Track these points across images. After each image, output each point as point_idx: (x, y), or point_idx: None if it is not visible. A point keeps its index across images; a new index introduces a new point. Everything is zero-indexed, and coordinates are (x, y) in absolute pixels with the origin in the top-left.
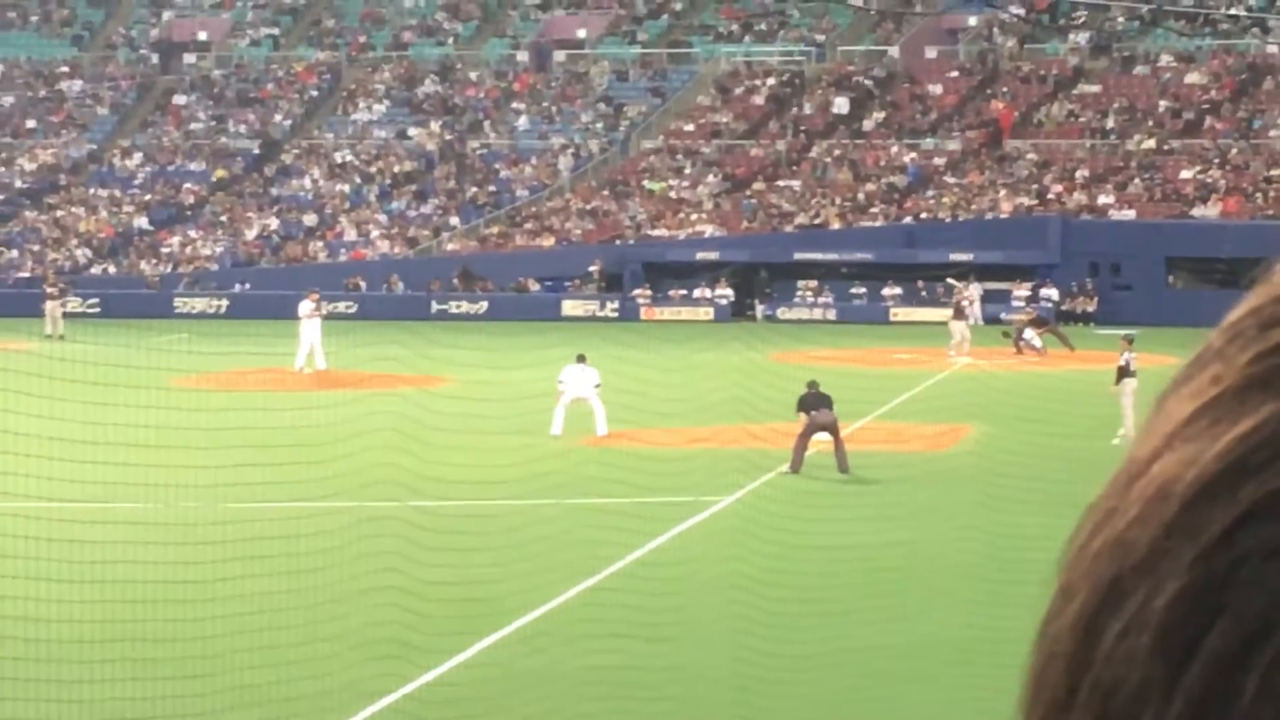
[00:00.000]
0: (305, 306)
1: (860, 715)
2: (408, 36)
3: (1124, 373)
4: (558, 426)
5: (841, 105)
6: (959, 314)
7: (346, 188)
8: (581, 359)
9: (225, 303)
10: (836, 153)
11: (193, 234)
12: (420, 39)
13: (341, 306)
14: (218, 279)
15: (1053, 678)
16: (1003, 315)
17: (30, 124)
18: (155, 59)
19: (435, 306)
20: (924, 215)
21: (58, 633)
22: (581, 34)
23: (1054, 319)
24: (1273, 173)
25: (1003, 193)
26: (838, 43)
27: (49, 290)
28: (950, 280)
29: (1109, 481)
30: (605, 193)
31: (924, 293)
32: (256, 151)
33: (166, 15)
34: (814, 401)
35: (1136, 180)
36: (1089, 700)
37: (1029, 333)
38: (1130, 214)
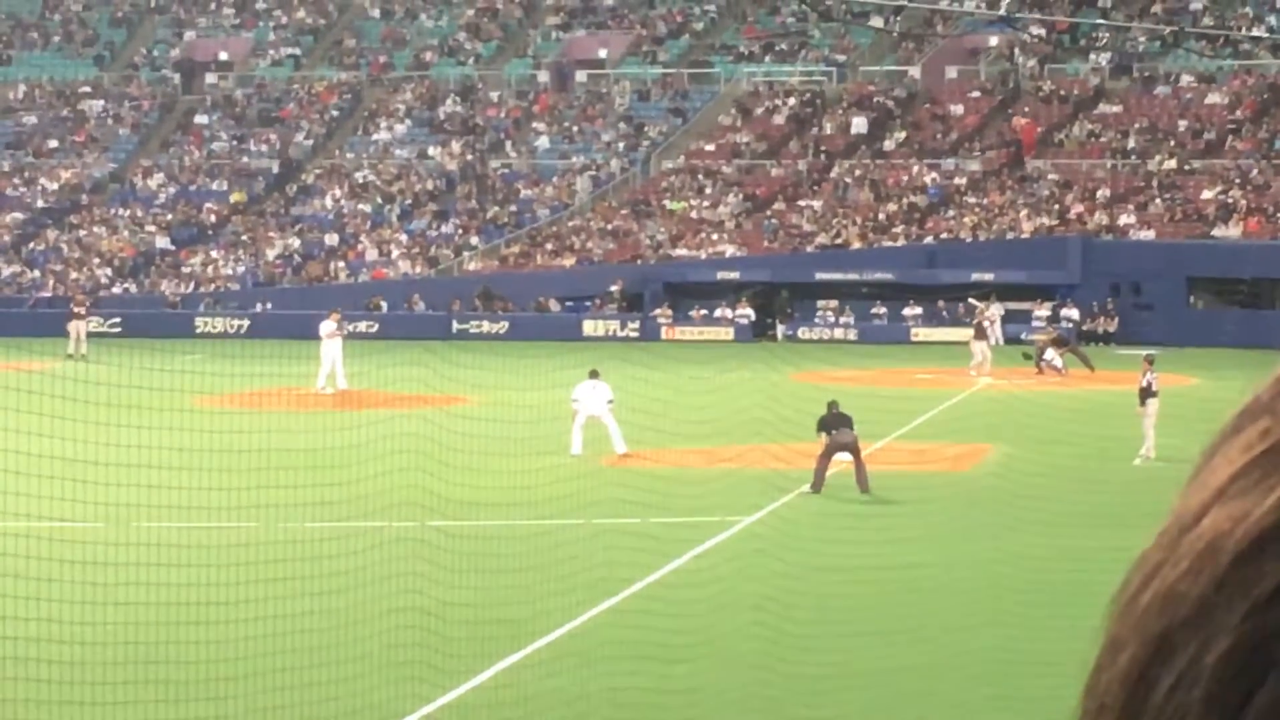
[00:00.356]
0: (327, 326)
1: None
2: (429, 56)
3: (1146, 393)
4: (577, 446)
5: (860, 125)
6: (980, 334)
7: (368, 207)
8: (594, 374)
9: (246, 322)
10: (857, 173)
11: (214, 254)
12: (441, 59)
13: (362, 326)
14: (239, 299)
15: None
16: (1024, 335)
17: (52, 144)
18: (177, 79)
19: (456, 326)
20: (945, 235)
21: (79, 654)
22: (602, 54)
23: (1075, 339)
24: None
25: (1024, 213)
26: (859, 63)
27: (75, 310)
28: (972, 300)
29: (1157, 534)
30: (626, 213)
31: (945, 313)
32: (277, 171)
33: (188, 35)
34: (834, 422)
35: (1157, 200)
36: None
37: (1050, 353)
38: (1151, 234)
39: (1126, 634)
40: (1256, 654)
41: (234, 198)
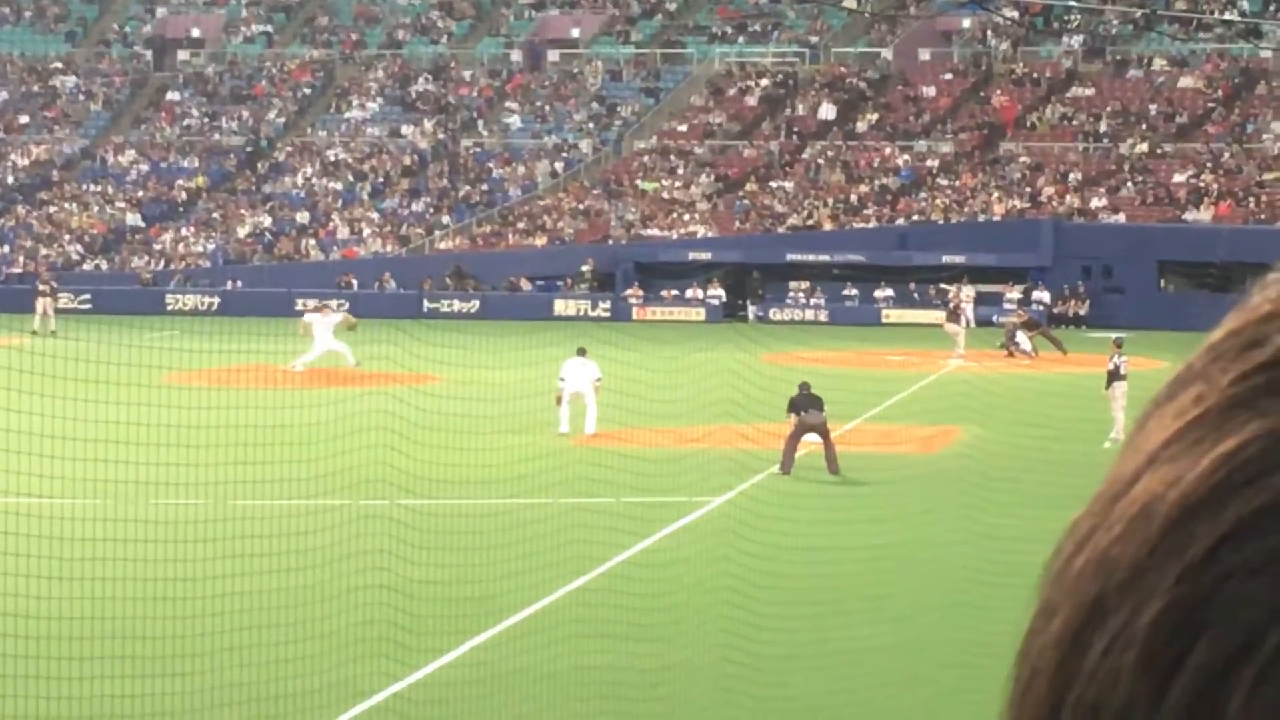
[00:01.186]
0: (329, 319)
1: (850, 716)
2: (401, 35)
3: (1114, 376)
4: (564, 424)
5: (828, 113)
6: (953, 317)
7: (339, 185)
8: (582, 352)
9: (217, 300)
10: (830, 154)
11: (185, 231)
12: (414, 37)
13: (334, 304)
14: (210, 276)
15: (1036, 695)
16: (995, 318)
17: (23, 120)
18: (149, 55)
19: (427, 305)
20: (916, 217)
21: (46, 629)
22: (575, 33)
23: (1046, 322)
24: (1265, 177)
25: (995, 195)
26: (831, 44)
27: (40, 287)
28: (943, 286)
29: (1091, 499)
30: (597, 192)
31: (916, 295)
32: (249, 149)
33: (160, 12)
34: (804, 403)
35: (1129, 184)
36: (1073, 717)
37: (1020, 335)
38: (1122, 217)
39: (1060, 599)
40: (1189, 616)
41: (196, 181)
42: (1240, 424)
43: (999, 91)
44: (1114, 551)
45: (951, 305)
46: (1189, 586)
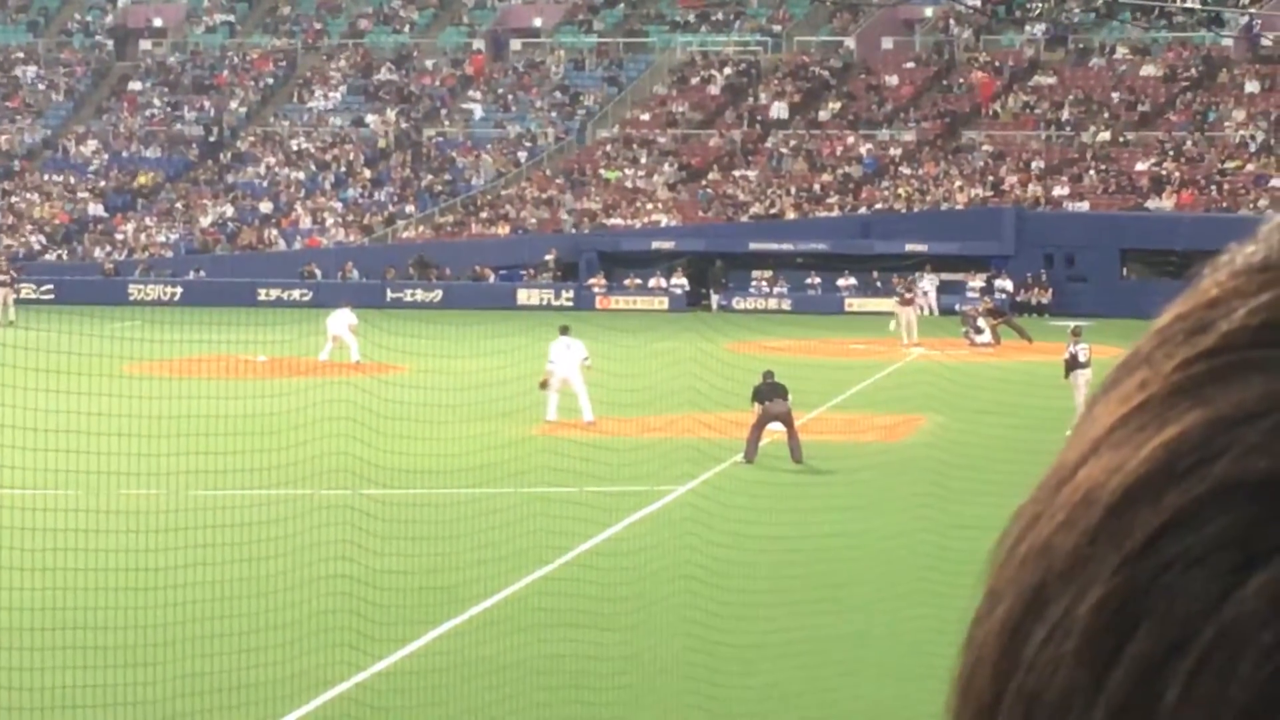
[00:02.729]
0: (347, 318)
1: (813, 704)
2: (364, 24)
3: (1072, 364)
4: (552, 411)
5: (779, 110)
6: (906, 301)
7: (302, 175)
8: (565, 330)
9: (180, 290)
10: (793, 143)
11: (148, 221)
12: (377, 27)
13: (296, 294)
14: (172, 266)
15: (979, 684)
16: (958, 306)
17: None
18: (111, 45)
19: (390, 294)
20: (879, 206)
21: (6, 620)
22: (538, 23)
23: (1009, 310)
24: (1227, 165)
25: (958, 184)
26: (794, 33)
27: (1, 277)
28: (914, 282)
29: (1037, 486)
30: (560, 181)
31: (879, 283)
32: (211, 139)
33: (122, 1)
34: (768, 392)
35: (1091, 172)
36: (1013, 706)
37: (981, 322)
38: (1085, 206)
39: (1003, 586)
40: (1128, 605)
41: (139, 180)
42: (1182, 412)
43: (975, 69)
44: (1055, 540)
45: (903, 291)
46: (1128, 576)
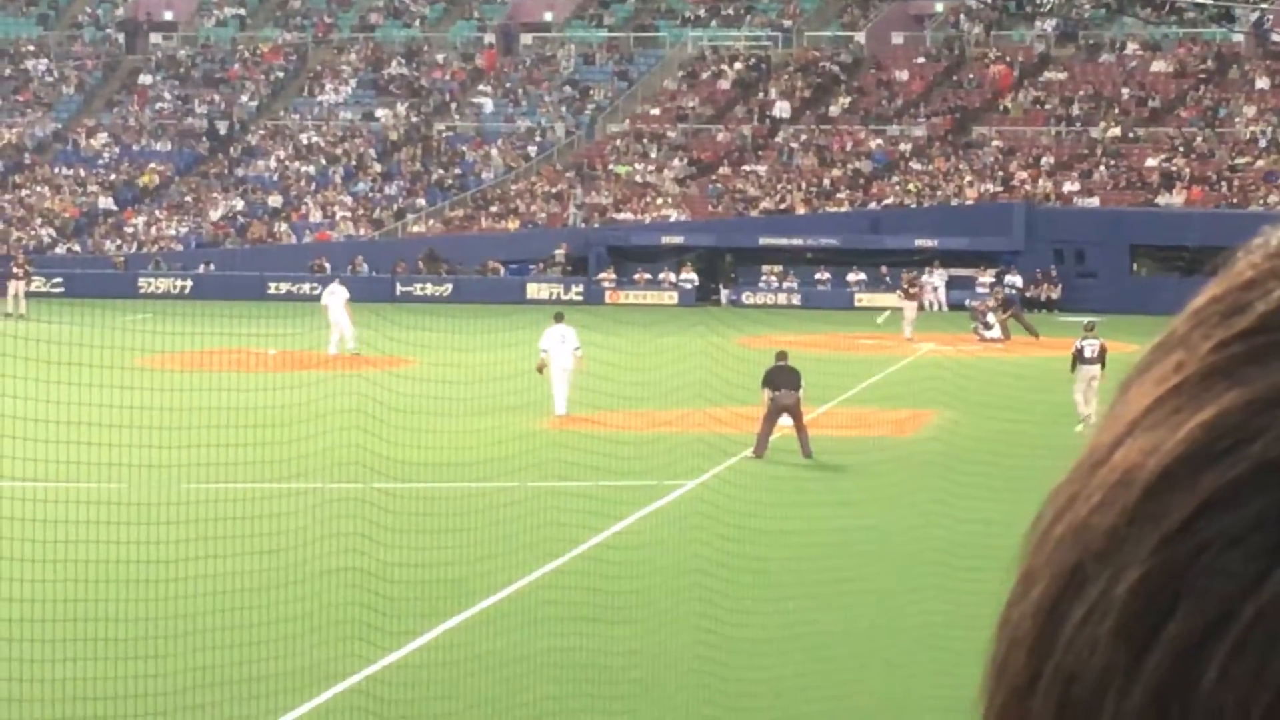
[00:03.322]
0: (340, 292)
1: (822, 699)
2: (374, 18)
3: (1078, 359)
4: (561, 404)
5: (782, 109)
6: (909, 295)
7: (312, 169)
8: (559, 318)
9: (189, 283)
10: (803, 138)
11: (158, 214)
12: (387, 20)
13: (306, 288)
14: (182, 259)
15: (1014, 664)
16: (968, 301)
17: None
18: (121, 38)
19: (400, 289)
20: (889, 201)
21: (19, 612)
22: (548, 17)
23: (1019, 305)
24: (1237, 161)
25: (968, 179)
26: (804, 28)
27: (15, 270)
28: (922, 278)
29: (1072, 467)
30: (570, 175)
31: (888, 278)
32: (222, 133)
33: None
34: (780, 377)
35: (1101, 168)
36: (1050, 687)
37: (991, 317)
38: (1095, 201)
39: (1039, 567)
40: (1166, 586)
41: (142, 180)
42: (1220, 392)
43: (992, 61)
44: (1093, 520)
45: (906, 286)
46: (1166, 556)
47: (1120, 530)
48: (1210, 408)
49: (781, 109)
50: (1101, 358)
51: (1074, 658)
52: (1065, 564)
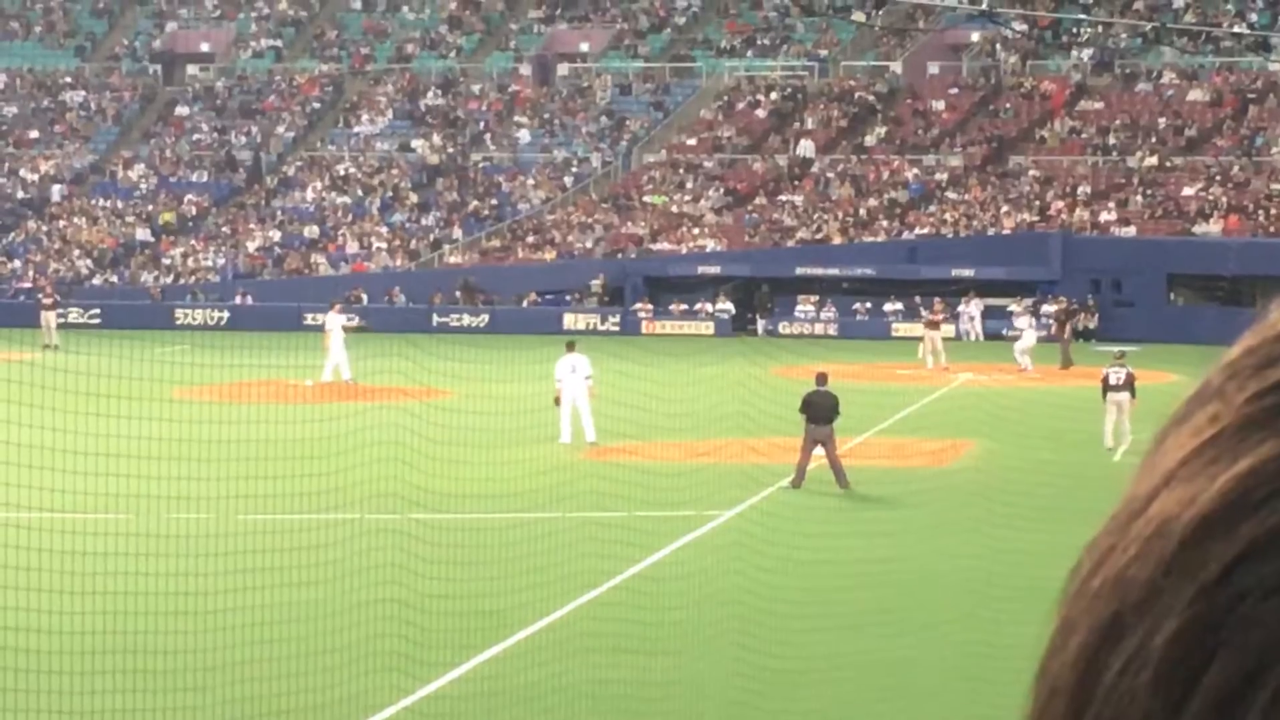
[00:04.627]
0: (336, 319)
1: None
2: (410, 49)
3: (1105, 387)
4: (566, 434)
5: (807, 150)
6: (933, 325)
7: (348, 200)
8: (570, 347)
9: (226, 315)
10: (839, 168)
11: (195, 245)
12: (423, 51)
13: (343, 319)
14: (219, 291)
15: (1054, 714)
16: (1005, 331)
17: (33, 134)
18: (158, 70)
19: (436, 319)
20: (926, 231)
21: (56, 643)
22: (584, 47)
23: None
24: (1274, 189)
25: (1004, 209)
26: (840, 58)
27: (43, 300)
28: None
29: (1109, 518)
30: (606, 206)
31: (921, 309)
32: (259, 164)
33: (170, 26)
34: (816, 408)
35: (1138, 197)
36: None
37: (1022, 347)
38: (1132, 231)
39: (1078, 617)
40: (1204, 636)
41: (163, 218)
42: (1255, 444)
43: (1046, 80)
44: (1130, 571)
45: (930, 315)
46: (1204, 607)
47: (1158, 581)
48: (1246, 459)
49: (806, 148)
50: (1129, 385)
51: (1113, 708)
52: (1104, 615)
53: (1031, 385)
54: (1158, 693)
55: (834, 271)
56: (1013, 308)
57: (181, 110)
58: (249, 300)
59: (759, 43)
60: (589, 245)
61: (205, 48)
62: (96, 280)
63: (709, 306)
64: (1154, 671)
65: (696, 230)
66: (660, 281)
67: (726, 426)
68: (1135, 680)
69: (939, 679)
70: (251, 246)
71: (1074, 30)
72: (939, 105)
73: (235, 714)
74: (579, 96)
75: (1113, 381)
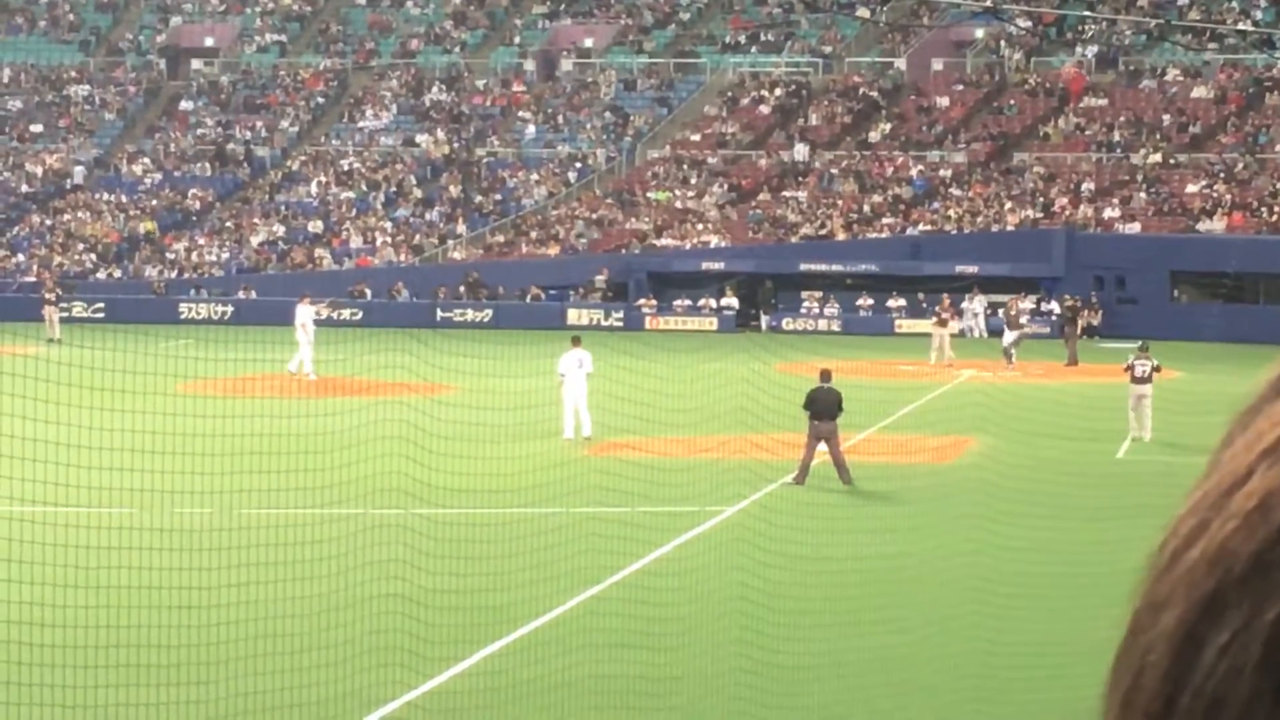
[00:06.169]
0: (305, 312)
1: None
2: (415, 44)
3: (1131, 377)
4: (568, 429)
5: (801, 153)
6: (941, 323)
7: (352, 195)
8: (576, 341)
9: (230, 309)
10: (843, 164)
11: (199, 240)
12: (427, 47)
13: (347, 314)
14: (223, 285)
15: (1147, 690)
16: (1005, 331)
17: (37, 129)
18: (162, 65)
19: (440, 314)
20: (929, 227)
21: (59, 638)
22: (589, 43)
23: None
24: (1278, 187)
25: (1008, 205)
26: (844, 54)
27: (46, 295)
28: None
29: (1195, 495)
30: (610, 202)
31: (927, 305)
32: (263, 158)
33: (174, 21)
34: (819, 405)
35: (1142, 194)
36: (1190, 713)
37: (1008, 337)
38: (1135, 228)
39: (1170, 593)
40: None
41: (144, 226)
42: None
43: (1066, 65)
44: (1233, 544)
45: (940, 312)
46: None
47: (1264, 555)
48: None
49: (800, 151)
50: (1152, 377)
51: (1216, 684)
52: (1203, 589)
53: (1034, 382)
54: (1267, 670)
55: (838, 268)
56: (965, 303)
57: (186, 105)
58: (253, 295)
59: (763, 39)
60: (595, 237)
61: (210, 42)
62: (100, 274)
63: (713, 302)
64: (1263, 648)
65: (700, 226)
66: (664, 277)
67: (729, 422)
68: (1240, 656)
69: (941, 675)
70: (255, 241)
71: (1078, 27)
72: (943, 101)
73: (238, 708)
74: (583, 92)
75: (1139, 373)
